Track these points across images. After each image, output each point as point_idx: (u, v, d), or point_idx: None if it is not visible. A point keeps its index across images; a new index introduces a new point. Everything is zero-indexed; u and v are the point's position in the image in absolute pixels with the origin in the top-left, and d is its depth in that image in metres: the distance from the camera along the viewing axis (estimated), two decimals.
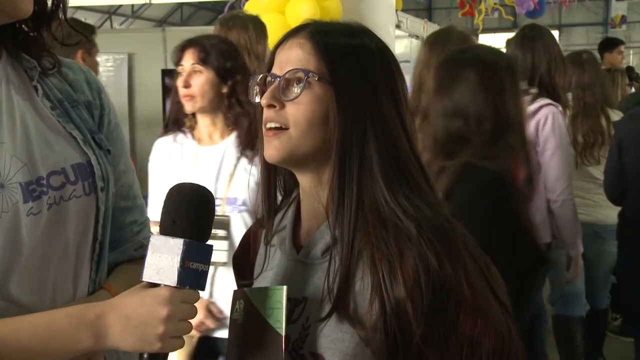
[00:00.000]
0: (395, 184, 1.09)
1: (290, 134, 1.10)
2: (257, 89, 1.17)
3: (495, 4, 9.41)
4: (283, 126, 1.11)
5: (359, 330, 1.06)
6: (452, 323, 1.05)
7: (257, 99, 1.15)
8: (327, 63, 1.10)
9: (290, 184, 1.23)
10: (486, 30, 10.84)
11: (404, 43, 8.71)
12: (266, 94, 1.12)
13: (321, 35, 1.12)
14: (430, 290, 1.03)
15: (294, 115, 1.10)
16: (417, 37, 8.85)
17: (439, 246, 1.05)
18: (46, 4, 1.18)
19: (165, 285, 1.01)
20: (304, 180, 1.17)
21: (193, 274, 1.02)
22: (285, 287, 1.11)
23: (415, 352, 1.05)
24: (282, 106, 1.11)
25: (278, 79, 1.11)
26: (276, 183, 1.23)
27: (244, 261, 1.32)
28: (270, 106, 1.11)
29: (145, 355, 1.03)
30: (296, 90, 1.10)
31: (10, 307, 1.08)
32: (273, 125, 1.11)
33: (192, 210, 1.05)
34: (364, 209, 1.08)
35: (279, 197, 1.25)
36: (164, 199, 1.07)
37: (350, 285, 1.07)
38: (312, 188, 1.15)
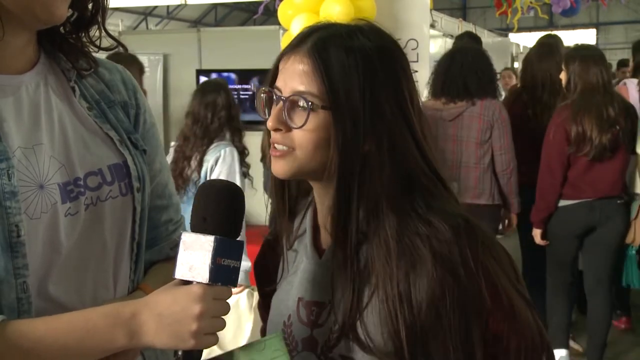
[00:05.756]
0: (404, 201, 1.08)
1: (296, 155, 1.11)
2: (263, 99, 1.16)
3: (531, 2, 9.26)
4: (290, 148, 1.11)
5: (368, 353, 1.06)
6: (477, 329, 1.05)
7: (264, 114, 1.15)
8: (328, 85, 1.07)
9: (306, 185, 1.23)
10: (521, 29, 10.69)
11: (439, 42, 8.65)
12: (272, 117, 1.11)
13: (321, 49, 1.09)
14: (446, 309, 1.03)
15: (300, 140, 1.10)
16: (451, 36, 8.78)
17: (455, 257, 1.04)
18: (86, 9, 1.19)
19: (198, 283, 1.02)
20: (315, 187, 1.17)
21: (225, 270, 1.03)
22: (280, 333, 1.11)
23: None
24: (289, 129, 1.10)
25: (282, 101, 1.10)
26: (289, 187, 1.23)
27: (264, 267, 1.31)
28: (276, 129, 1.11)
29: (180, 353, 1.04)
30: (301, 116, 1.09)
31: (50, 306, 1.10)
32: (280, 147, 1.12)
33: (222, 207, 1.05)
34: (370, 231, 1.08)
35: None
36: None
37: (360, 309, 1.07)
38: (322, 196, 1.16)
